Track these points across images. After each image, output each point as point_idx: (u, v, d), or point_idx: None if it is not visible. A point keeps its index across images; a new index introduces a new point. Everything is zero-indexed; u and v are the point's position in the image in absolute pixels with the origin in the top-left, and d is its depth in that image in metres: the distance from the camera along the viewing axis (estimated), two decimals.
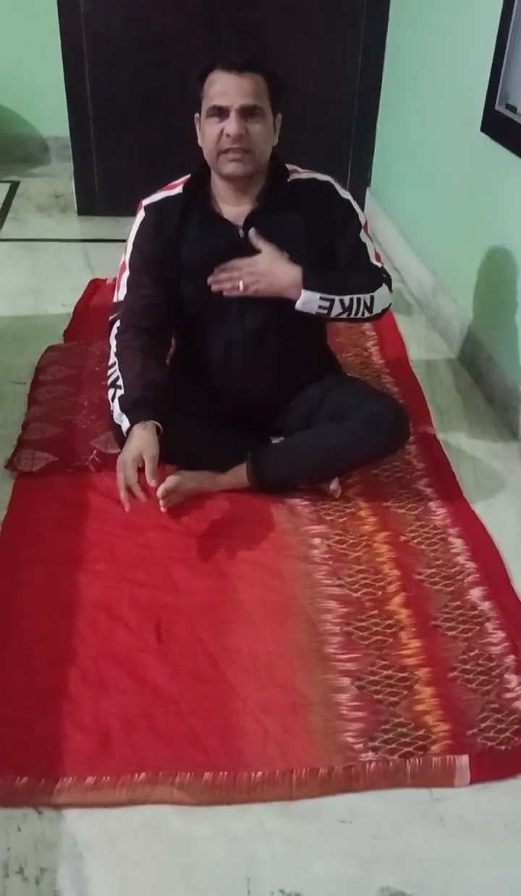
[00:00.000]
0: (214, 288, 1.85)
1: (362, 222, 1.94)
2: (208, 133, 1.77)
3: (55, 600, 1.69)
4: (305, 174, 1.91)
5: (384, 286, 1.93)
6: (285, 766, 1.38)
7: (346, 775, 1.38)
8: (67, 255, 3.35)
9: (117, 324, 1.95)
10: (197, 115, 1.81)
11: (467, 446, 2.24)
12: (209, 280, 1.85)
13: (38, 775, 1.35)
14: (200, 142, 1.82)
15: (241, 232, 1.85)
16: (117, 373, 1.88)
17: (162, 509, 1.89)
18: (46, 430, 2.14)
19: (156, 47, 3.37)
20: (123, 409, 1.83)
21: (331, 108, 3.58)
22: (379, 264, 1.96)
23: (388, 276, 1.96)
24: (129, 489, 1.72)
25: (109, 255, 3.24)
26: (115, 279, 3.11)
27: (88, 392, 2.29)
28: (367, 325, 2.79)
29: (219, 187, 1.86)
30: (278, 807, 1.34)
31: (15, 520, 1.89)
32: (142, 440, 1.74)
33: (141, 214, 1.91)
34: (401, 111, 3.36)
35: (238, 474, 1.97)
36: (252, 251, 1.84)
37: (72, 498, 1.96)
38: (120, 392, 1.85)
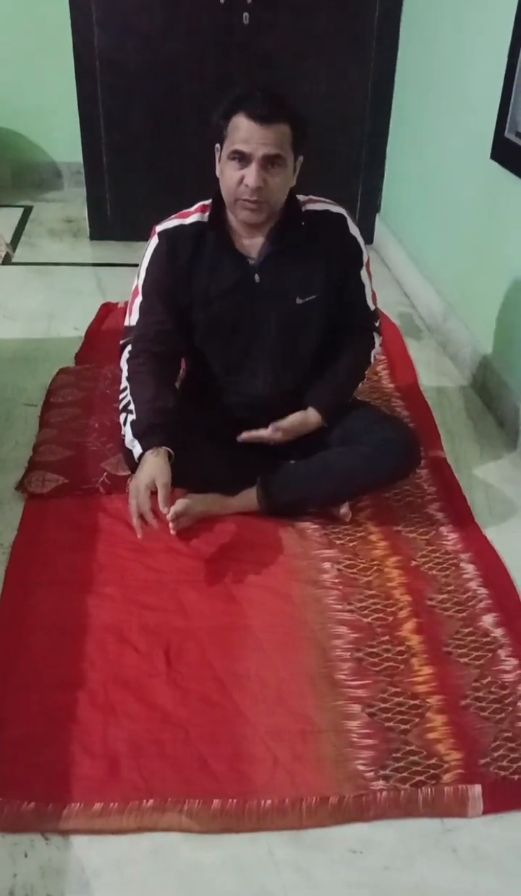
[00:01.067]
0: (243, 439, 1.93)
1: (365, 260, 1.96)
2: (228, 176, 1.77)
3: (64, 623, 1.68)
4: (319, 205, 1.91)
5: (376, 339, 2.03)
6: (295, 793, 1.37)
7: (357, 804, 1.36)
8: (80, 279, 3.38)
9: (129, 348, 1.95)
10: (217, 145, 1.80)
11: (478, 471, 2.23)
12: (239, 439, 1.92)
13: (45, 801, 1.34)
14: (217, 173, 1.82)
15: (256, 277, 1.87)
16: (129, 398, 1.88)
17: (172, 532, 1.89)
18: (57, 453, 2.14)
19: (169, 73, 3.41)
20: (136, 435, 1.83)
21: (341, 134, 3.61)
22: (373, 307, 2.01)
23: (379, 320, 2.03)
24: (141, 516, 1.72)
25: (121, 279, 3.27)
26: (126, 303, 3.13)
27: (98, 415, 2.30)
28: (377, 350, 2.79)
29: (233, 220, 1.87)
30: (288, 835, 1.33)
31: (25, 541, 1.89)
32: (155, 466, 1.74)
33: (154, 241, 1.90)
34: (411, 138, 3.39)
35: (248, 497, 1.97)
36: (263, 289, 1.87)
37: (82, 520, 1.96)
38: (132, 417, 1.85)
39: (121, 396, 1.93)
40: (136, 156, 3.58)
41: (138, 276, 1.94)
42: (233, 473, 1.99)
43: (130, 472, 2.03)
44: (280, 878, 1.26)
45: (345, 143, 3.64)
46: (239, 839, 1.32)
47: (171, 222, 1.91)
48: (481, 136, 2.52)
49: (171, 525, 1.89)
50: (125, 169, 3.60)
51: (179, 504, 1.91)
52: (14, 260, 3.56)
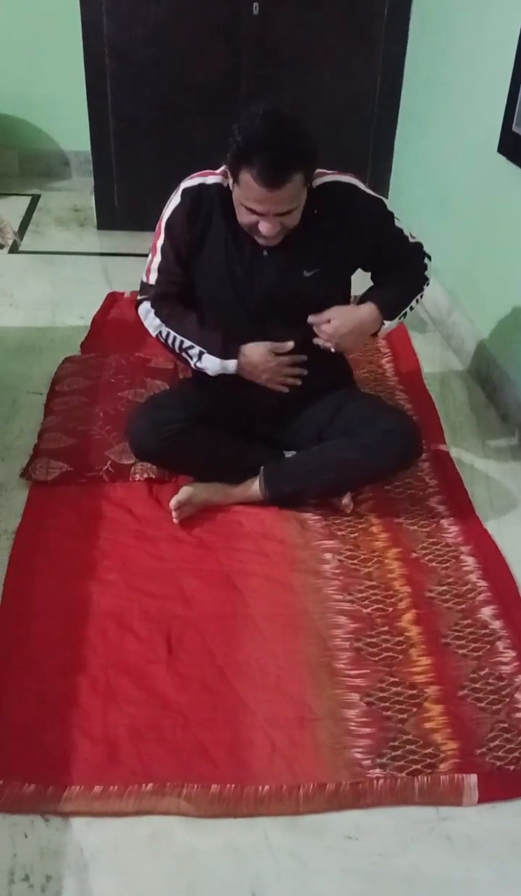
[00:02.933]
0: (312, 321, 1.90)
1: (389, 213, 1.94)
2: (242, 218, 1.75)
3: (66, 609, 1.69)
4: (330, 176, 1.88)
5: (426, 261, 2.01)
6: (293, 780, 1.38)
7: (353, 791, 1.38)
8: (86, 268, 3.38)
9: (148, 305, 1.94)
10: (228, 172, 1.75)
11: (480, 464, 2.24)
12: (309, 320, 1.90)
13: (45, 783, 1.35)
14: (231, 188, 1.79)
15: (264, 252, 1.85)
16: (180, 338, 1.90)
17: (174, 521, 1.91)
18: (62, 440, 2.16)
19: (177, 63, 3.40)
20: (223, 357, 1.86)
21: (349, 127, 3.60)
22: (414, 240, 2.00)
23: (421, 245, 2.01)
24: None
25: (128, 269, 3.27)
26: (133, 293, 3.12)
27: (103, 403, 2.31)
28: (381, 343, 2.80)
29: None
30: (285, 821, 1.34)
31: (29, 528, 1.90)
32: (256, 348, 1.86)
33: (176, 199, 1.88)
34: (418, 131, 3.38)
35: (251, 487, 1.98)
36: (271, 262, 1.85)
37: (85, 508, 1.97)
38: (199, 350, 1.88)
39: (170, 342, 1.92)
40: (143, 145, 3.57)
41: (157, 233, 1.92)
42: (236, 463, 2.00)
43: (133, 461, 2.05)
44: (276, 864, 1.28)
45: (352, 136, 3.63)
46: (236, 824, 1.33)
47: (194, 180, 1.88)
48: (488, 129, 2.51)
49: (174, 514, 1.91)
50: (133, 159, 3.60)
51: (183, 493, 1.93)
52: (21, 248, 3.56)
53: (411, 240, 1.99)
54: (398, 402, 2.47)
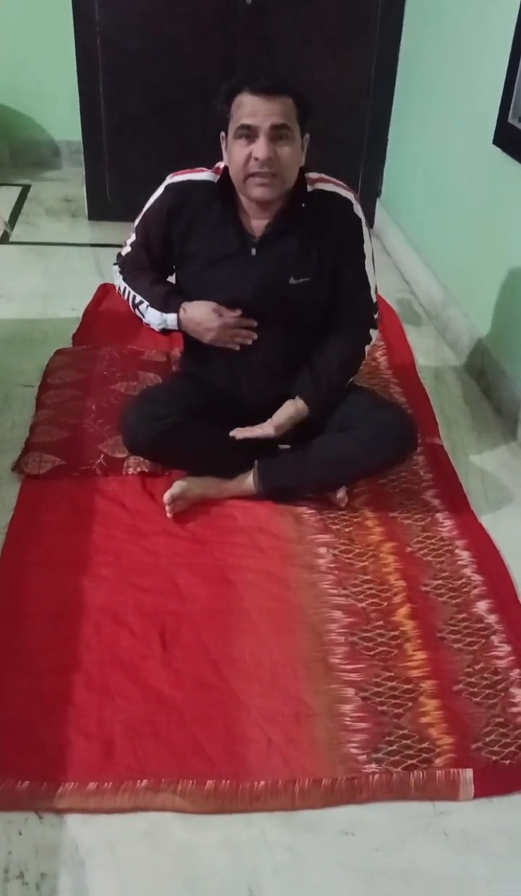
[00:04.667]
0: (237, 436, 1.94)
1: (368, 250, 1.92)
2: (236, 155, 1.75)
3: (60, 604, 1.68)
4: (329, 185, 1.88)
5: (373, 334, 2.00)
6: (289, 775, 1.38)
7: (349, 787, 1.37)
8: (78, 259, 3.36)
9: (118, 269, 2.05)
10: (223, 134, 1.79)
11: (474, 458, 2.23)
12: (234, 434, 1.94)
13: (40, 780, 1.34)
14: (225, 161, 1.81)
15: (253, 251, 1.85)
16: (134, 294, 1.97)
17: (168, 515, 1.90)
18: (54, 434, 2.14)
19: (170, 54, 3.38)
20: (161, 310, 1.92)
21: (343, 119, 3.58)
22: (375, 299, 1.98)
23: (378, 312, 2.01)
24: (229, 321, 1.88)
25: None
26: None
27: (95, 396, 2.29)
28: (372, 345, 2.78)
29: (244, 201, 1.85)
30: (281, 817, 1.34)
31: (21, 522, 1.89)
32: (198, 305, 1.88)
33: (160, 192, 1.91)
34: (413, 123, 3.36)
35: (245, 481, 1.97)
36: (259, 264, 1.85)
37: (78, 501, 1.96)
38: (145, 304, 1.95)
39: (127, 299, 2.00)
40: (135, 136, 3.55)
41: (139, 216, 1.98)
42: (230, 457, 1.99)
43: (126, 454, 2.04)
44: (272, 859, 1.28)
45: (347, 128, 3.61)
46: (232, 820, 1.33)
47: (181, 176, 1.90)
48: (483, 121, 2.50)
49: (167, 508, 1.90)
50: (125, 149, 3.57)
51: (176, 487, 1.92)
52: (12, 239, 3.53)
53: (372, 296, 1.97)
54: (393, 395, 2.46)
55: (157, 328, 1.95)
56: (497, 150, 2.44)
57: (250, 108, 1.70)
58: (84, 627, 1.63)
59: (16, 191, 4.06)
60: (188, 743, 1.42)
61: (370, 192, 3.75)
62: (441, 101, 2.98)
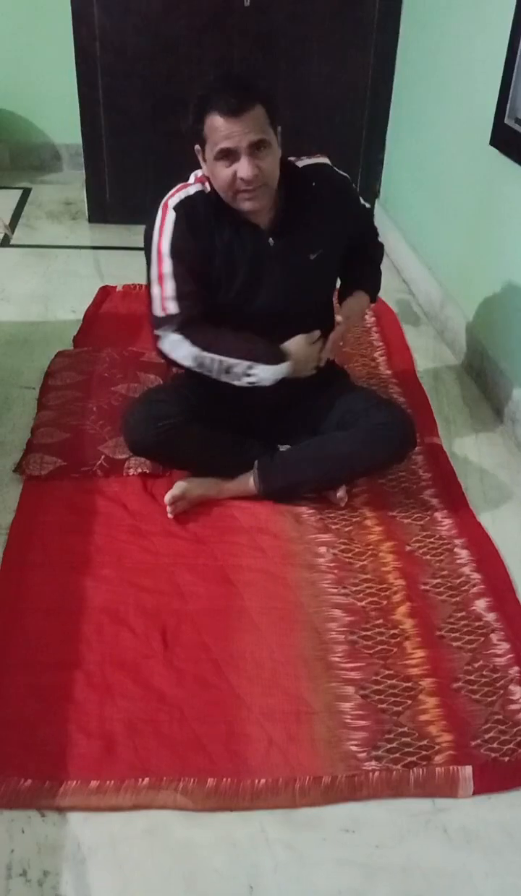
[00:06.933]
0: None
1: (356, 190, 2.04)
2: (220, 175, 1.73)
3: (61, 604, 1.69)
4: (305, 161, 1.90)
5: (377, 233, 2.15)
6: (289, 773, 1.39)
7: (349, 784, 1.38)
8: (78, 262, 3.37)
9: (179, 336, 1.84)
10: (198, 147, 1.77)
11: (473, 457, 2.24)
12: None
13: (42, 778, 1.36)
14: (205, 172, 1.79)
15: (270, 240, 1.85)
16: (221, 359, 1.83)
17: (169, 515, 1.91)
18: (55, 435, 2.15)
19: (168, 56, 3.39)
20: (274, 361, 1.84)
21: (341, 119, 3.59)
22: (368, 206, 2.13)
23: (372, 214, 2.17)
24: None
25: (120, 262, 3.27)
26: (124, 287, 3.11)
27: (96, 397, 2.30)
28: (375, 336, 2.80)
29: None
30: (281, 814, 1.34)
31: (22, 523, 1.90)
32: (298, 343, 1.89)
33: (170, 215, 1.82)
34: (410, 123, 3.37)
35: (245, 482, 1.98)
36: (277, 250, 1.86)
37: (79, 502, 1.97)
38: (246, 364, 1.83)
39: (209, 370, 1.85)
40: (135, 138, 3.56)
41: (157, 261, 1.83)
42: (231, 457, 2.00)
43: (127, 455, 2.05)
44: (272, 857, 1.29)
45: (344, 129, 3.62)
46: (232, 818, 1.34)
47: (177, 195, 1.85)
48: (480, 122, 2.51)
49: (168, 508, 1.91)
50: (124, 151, 3.58)
51: (177, 487, 1.93)
52: (12, 242, 3.55)
53: (372, 222, 2.15)
54: (392, 395, 2.47)
55: (268, 383, 1.84)
56: (494, 151, 2.44)
57: (225, 132, 1.68)
58: (85, 627, 1.64)
59: (16, 194, 4.07)
60: (189, 741, 1.43)
61: (369, 193, 3.75)
62: (438, 102, 2.99)
